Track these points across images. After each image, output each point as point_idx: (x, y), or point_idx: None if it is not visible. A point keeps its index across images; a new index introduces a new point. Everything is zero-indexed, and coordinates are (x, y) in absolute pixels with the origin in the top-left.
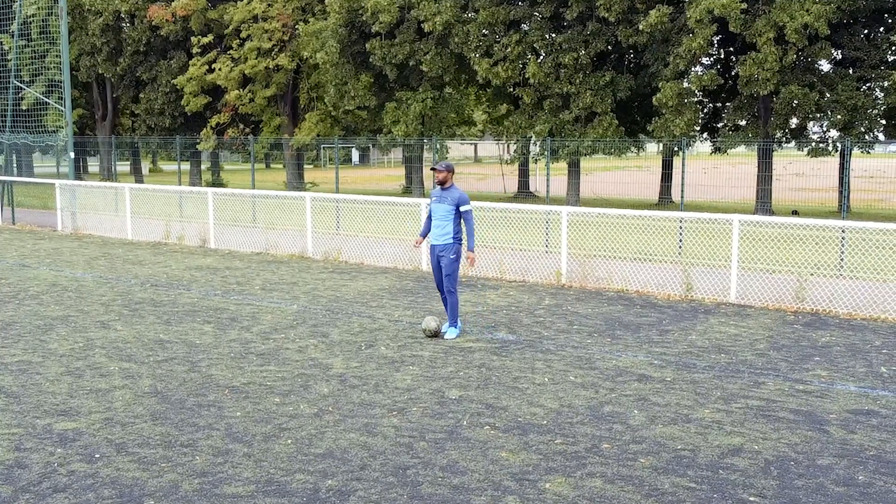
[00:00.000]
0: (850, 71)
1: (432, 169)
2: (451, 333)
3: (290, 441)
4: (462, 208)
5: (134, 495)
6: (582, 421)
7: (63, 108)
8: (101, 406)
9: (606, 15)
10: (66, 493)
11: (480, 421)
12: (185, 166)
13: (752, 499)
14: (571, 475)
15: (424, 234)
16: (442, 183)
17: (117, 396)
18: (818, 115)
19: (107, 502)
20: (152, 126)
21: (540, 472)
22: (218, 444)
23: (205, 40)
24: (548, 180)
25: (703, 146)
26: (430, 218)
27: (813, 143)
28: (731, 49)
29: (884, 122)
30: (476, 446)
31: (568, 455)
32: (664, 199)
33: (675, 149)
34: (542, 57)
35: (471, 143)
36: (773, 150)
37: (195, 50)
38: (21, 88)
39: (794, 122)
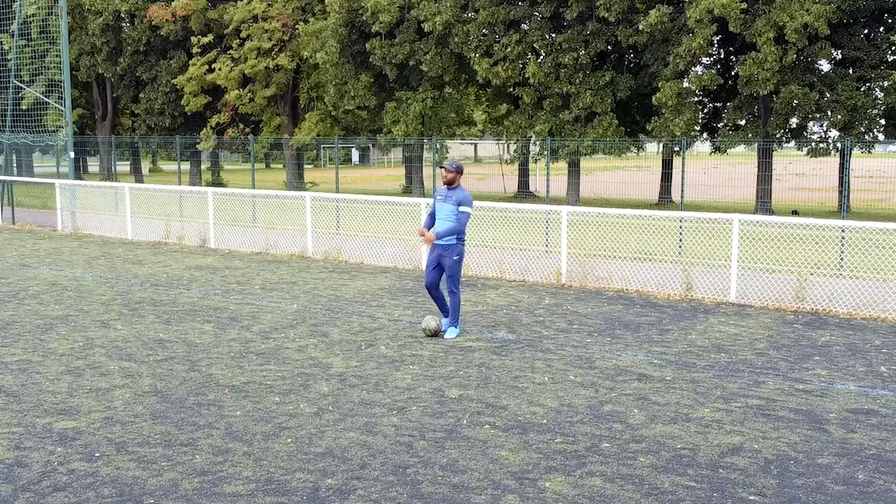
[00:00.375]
0: (850, 71)
1: (441, 166)
2: (451, 333)
3: (290, 440)
4: (461, 208)
5: (134, 494)
6: (582, 420)
7: (63, 108)
8: (101, 405)
9: (606, 15)
10: (66, 491)
11: (480, 420)
12: (185, 166)
13: (751, 498)
14: (571, 474)
15: (428, 227)
16: (449, 183)
17: (117, 395)
18: (818, 115)
19: (107, 501)
20: (152, 126)
21: (540, 471)
22: (218, 443)
23: (205, 40)
24: (548, 180)
25: (703, 146)
26: (431, 214)
27: (813, 143)
28: (731, 49)
29: (884, 122)
30: (476, 445)
31: (568, 454)
32: (664, 199)
33: (675, 149)
34: (542, 57)
35: (471, 143)
36: (773, 150)
37: (195, 50)
38: (21, 88)
39: (794, 121)
